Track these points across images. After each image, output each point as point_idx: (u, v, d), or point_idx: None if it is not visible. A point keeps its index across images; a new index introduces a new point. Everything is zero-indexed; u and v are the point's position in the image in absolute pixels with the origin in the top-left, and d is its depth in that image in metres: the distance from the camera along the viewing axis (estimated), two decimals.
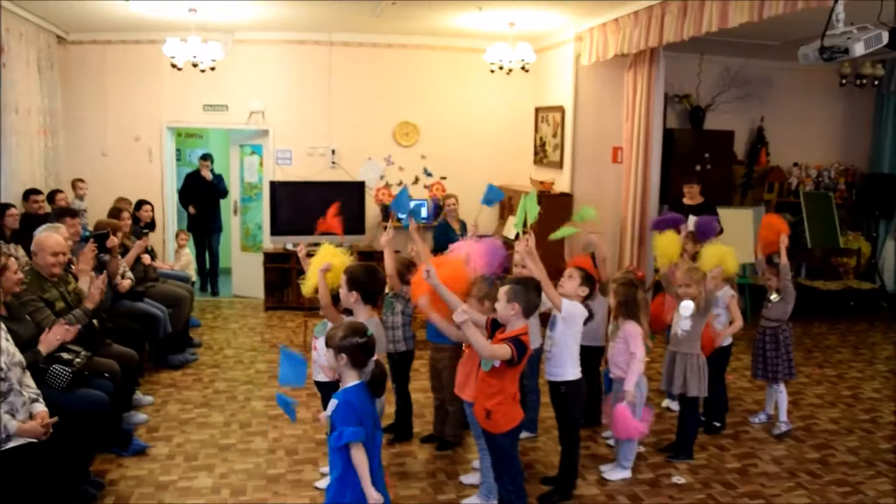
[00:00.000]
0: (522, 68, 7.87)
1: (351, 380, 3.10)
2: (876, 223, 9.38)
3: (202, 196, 9.07)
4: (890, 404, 5.92)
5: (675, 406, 5.37)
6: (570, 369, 4.09)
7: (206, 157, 9.09)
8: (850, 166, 9.61)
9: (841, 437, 5.26)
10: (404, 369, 4.93)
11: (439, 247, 7.25)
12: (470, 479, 4.34)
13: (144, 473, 4.44)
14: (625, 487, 4.43)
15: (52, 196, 7.21)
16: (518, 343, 3.41)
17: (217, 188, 9.22)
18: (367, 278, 3.65)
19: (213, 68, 7.55)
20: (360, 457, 3.00)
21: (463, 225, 7.91)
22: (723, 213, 7.55)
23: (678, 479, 4.54)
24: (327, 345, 3.11)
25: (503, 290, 3.51)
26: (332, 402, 3.06)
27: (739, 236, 8.17)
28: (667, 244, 5.35)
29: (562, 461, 4.29)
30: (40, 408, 3.67)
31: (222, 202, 9.46)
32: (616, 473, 4.55)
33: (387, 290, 4.80)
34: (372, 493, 2.99)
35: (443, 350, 4.70)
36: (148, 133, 8.69)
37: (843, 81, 8.81)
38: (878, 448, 5.07)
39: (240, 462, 4.65)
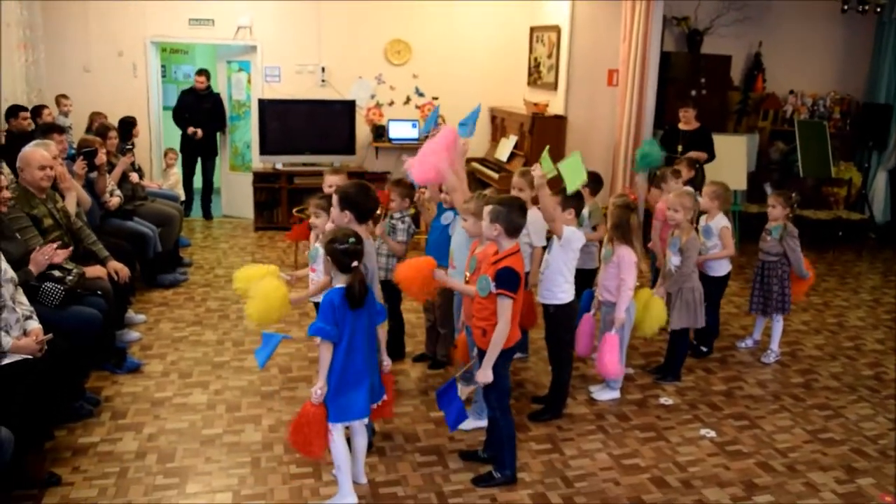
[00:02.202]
0: None
1: (338, 283, 3.24)
2: (869, 154, 9.35)
3: (198, 116, 8.66)
4: (873, 332, 6.03)
5: None
6: (560, 293, 4.11)
7: (202, 73, 8.71)
8: (846, 95, 9.51)
9: (825, 362, 5.36)
10: (398, 291, 4.94)
11: None
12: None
13: (139, 390, 4.49)
14: (613, 407, 4.52)
15: (36, 112, 7.03)
16: (509, 282, 3.39)
17: (217, 110, 8.80)
18: (359, 196, 3.60)
19: None
20: (324, 354, 3.20)
21: None
22: (717, 139, 7.50)
23: (665, 400, 4.64)
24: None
25: (487, 210, 3.49)
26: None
27: (733, 162, 8.16)
28: None
29: (553, 381, 4.36)
30: (34, 325, 3.66)
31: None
32: (605, 394, 4.64)
33: (387, 213, 4.77)
34: (318, 389, 3.21)
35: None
36: (131, 48, 8.43)
37: (846, 7, 8.63)
38: (861, 374, 5.18)
39: (234, 379, 4.69)
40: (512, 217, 3.45)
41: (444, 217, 4.62)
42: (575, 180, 3.96)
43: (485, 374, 3.45)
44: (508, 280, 3.38)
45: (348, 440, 3.40)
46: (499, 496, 3.54)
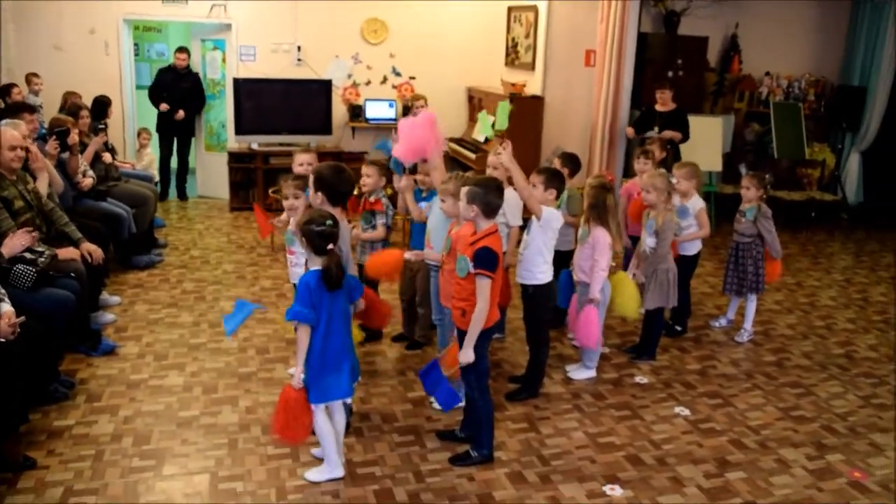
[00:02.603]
0: None
1: (314, 265, 3.24)
2: (842, 135, 9.45)
3: (176, 95, 8.48)
4: (844, 311, 6.13)
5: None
6: (539, 273, 4.13)
7: (183, 50, 8.53)
8: (821, 77, 9.58)
9: (796, 341, 5.45)
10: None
11: None
12: None
13: (115, 372, 4.45)
14: (589, 386, 4.57)
15: (5, 91, 6.89)
16: (487, 262, 3.39)
17: (196, 90, 8.65)
18: (333, 178, 3.57)
19: None
20: (302, 337, 3.20)
21: None
22: (693, 120, 7.56)
23: (641, 379, 4.69)
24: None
25: (464, 191, 3.49)
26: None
27: (709, 144, 8.21)
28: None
29: (530, 360, 4.39)
30: (6, 307, 3.61)
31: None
32: (581, 373, 4.68)
33: (362, 193, 4.76)
34: (298, 374, 3.23)
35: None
36: (104, 26, 8.28)
37: None
38: (831, 353, 5.27)
39: (210, 361, 4.67)
40: (489, 198, 3.45)
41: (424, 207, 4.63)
42: (483, 130, 4.05)
43: (466, 354, 3.46)
44: (487, 260, 3.39)
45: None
46: (476, 475, 3.57)
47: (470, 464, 3.64)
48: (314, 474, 3.46)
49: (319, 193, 3.55)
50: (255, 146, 8.44)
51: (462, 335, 3.50)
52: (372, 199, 4.70)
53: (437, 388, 3.58)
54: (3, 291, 3.69)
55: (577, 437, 3.96)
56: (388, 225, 4.74)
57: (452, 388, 3.60)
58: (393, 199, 4.86)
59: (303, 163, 4.62)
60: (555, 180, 4.25)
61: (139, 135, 8.63)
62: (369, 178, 4.71)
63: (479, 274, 3.40)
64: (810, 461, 3.84)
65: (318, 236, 3.16)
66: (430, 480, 3.51)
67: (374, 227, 4.68)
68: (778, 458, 3.85)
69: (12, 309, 3.61)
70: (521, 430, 4.02)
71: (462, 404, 3.88)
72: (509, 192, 4.69)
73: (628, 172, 8.03)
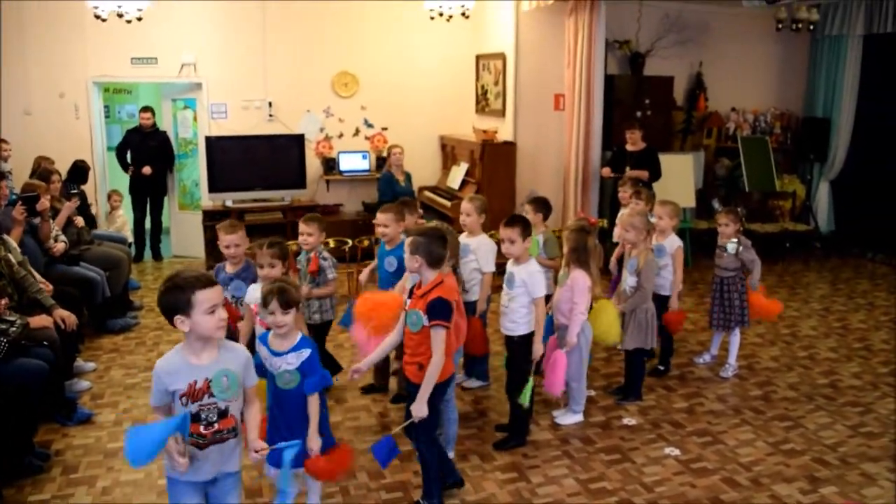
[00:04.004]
0: (462, 14, 7.75)
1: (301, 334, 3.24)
2: (810, 166, 9.62)
3: (144, 155, 8.45)
4: (825, 341, 6.14)
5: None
6: (524, 325, 4.11)
7: (147, 109, 8.53)
8: (786, 110, 9.79)
9: (781, 373, 5.44)
10: (324, 335, 4.91)
11: (384, 199, 7.18)
12: None
13: (91, 441, 4.33)
14: (577, 431, 4.51)
15: None
16: (441, 312, 3.34)
17: (165, 149, 8.61)
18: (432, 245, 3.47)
19: (139, 19, 7.20)
20: (315, 404, 3.20)
21: (408, 176, 7.83)
22: (664, 158, 7.65)
23: (629, 421, 4.64)
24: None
25: (407, 242, 3.46)
26: (304, 352, 3.17)
27: (680, 181, 8.30)
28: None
29: (511, 409, 4.32)
30: None
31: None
32: (568, 418, 4.62)
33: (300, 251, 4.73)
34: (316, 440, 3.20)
35: None
36: (73, 89, 8.25)
37: (780, 26, 8.90)
38: (816, 383, 5.26)
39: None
40: (432, 248, 3.41)
41: (388, 263, 4.62)
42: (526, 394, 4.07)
43: (419, 409, 3.38)
44: (441, 310, 3.35)
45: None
46: None
47: None
48: None
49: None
50: (229, 203, 8.39)
51: (416, 389, 3.43)
52: (312, 255, 4.65)
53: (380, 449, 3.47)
54: None
55: (569, 485, 3.89)
56: (335, 277, 4.72)
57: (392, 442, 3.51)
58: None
59: (228, 244, 4.26)
60: (528, 228, 4.18)
61: (110, 197, 8.55)
62: (311, 236, 4.62)
63: (434, 325, 3.35)
64: (804, 495, 3.79)
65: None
66: None
67: (317, 284, 4.63)
68: (772, 494, 3.81)
69: None
70: (510, 479, 3.94)
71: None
72: (480, 238, 4.71)
73: (602, 213, 8.10)
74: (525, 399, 4.07)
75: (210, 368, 2.62)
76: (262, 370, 3.17)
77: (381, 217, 4.67)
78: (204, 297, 2.54)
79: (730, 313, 5.30)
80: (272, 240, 4.02)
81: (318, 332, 4.69)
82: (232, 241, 4.25)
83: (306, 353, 3.17)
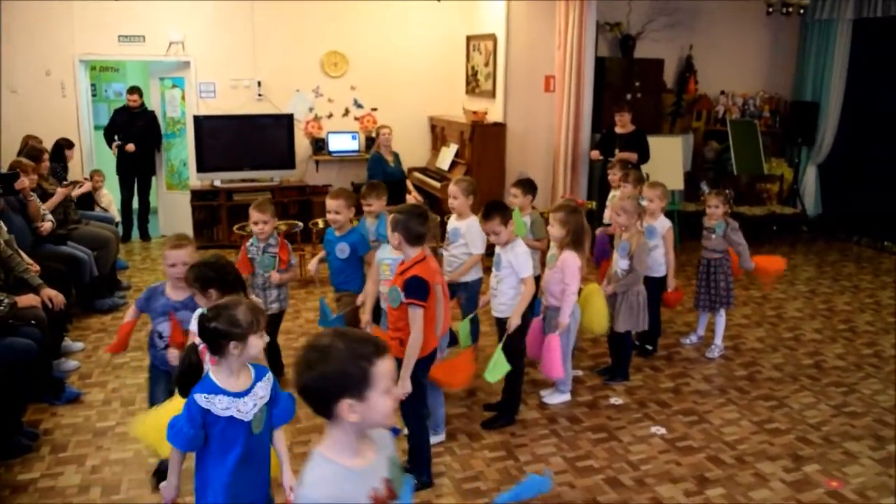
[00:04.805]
0: None
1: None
2: (798, 150, 9.66)
3: (132, 134, 8.38)
4: (811, 322, 6.21)
5: None
6: (513, 307, 4.13)
7: (134, 90, 8.45)
8: (775, 94, 9.82)
9: (766, 354, 5.50)
10: (279, 326, 4.93)
11: (373, 179, 7.15)
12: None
13: (80, 421, 4.33)
14: (565, 410, 4.55)
15: None
16: (417, 291, 3.36)
17: (152, 128, 8.56)
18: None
19: None
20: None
21: (396, 156, 7.80)
22: (653, 140, 7.66)
23: (615, 400, 4.68)
24: None
25: (389, 220, 3.50)
26: (269, 376, 2.69)
27: (670, 163, 8.32)
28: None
29: (505, 388, 4.36)
30: None
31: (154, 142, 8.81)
32: (556, 397, 4.66)
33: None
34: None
35: (347, 295, 4.65)
36: (59, 67, 8.17)
37: (770, 10, 8.90)
38: (801, 364, 5.32)
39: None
40: (410, 225, 3.43)
41: (339, 250, 4.60)
42: (496, 373, 4.05)
43: (404, 385, 3.41)
44: (417, 288, 3.37)
45: None
46: None
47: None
48: None
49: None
50: (217, 183, 8.36)
51: (399, 361, 3.45)
52: (280, 239, 4.65)
53: None
54: None
55: (556, 463, 3.94)
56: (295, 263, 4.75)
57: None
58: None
59: (174, 262, 3.68)
60: (505, 212, 4.16)
61: (91, 177, 8.47)
62: (266, 223, 4.53)
63: (410, 304, 3.38)
64: (788, 473, 3.85)
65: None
66: None
67: (283, 270, 4.62)
68: (756, 472, 3.86)
69: None
70: (498, 458, 3.98)
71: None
72: (470, 221, 4.70)
73: (591, 195, 8.12)
74: (493, 377, 4.06)
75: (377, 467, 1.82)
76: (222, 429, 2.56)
77: (331, 203, 4.54)
78: (385, 369, 1.73)
79: (715, 295, 5.34)
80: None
81: (273, 323, 4.59)
82: (180, 258, 3.67)
83: (270, 375, 2.66)
